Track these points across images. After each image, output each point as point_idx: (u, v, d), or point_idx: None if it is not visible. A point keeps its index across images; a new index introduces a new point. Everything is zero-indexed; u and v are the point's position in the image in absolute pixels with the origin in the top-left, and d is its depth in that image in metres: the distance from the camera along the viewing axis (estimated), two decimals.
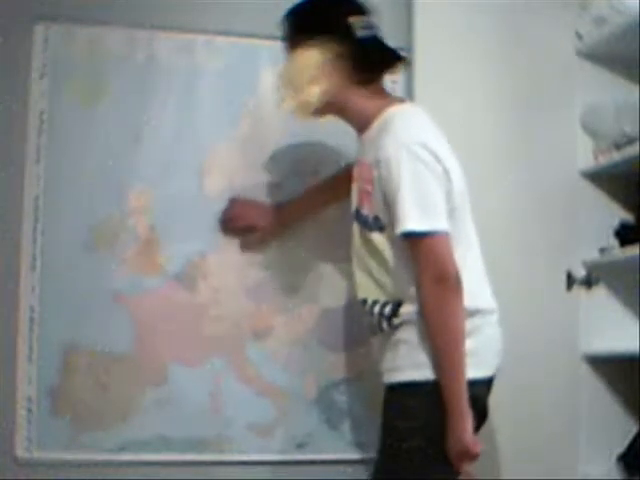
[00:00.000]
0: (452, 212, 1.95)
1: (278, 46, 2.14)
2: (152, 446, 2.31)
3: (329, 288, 2.45)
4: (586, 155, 2.58)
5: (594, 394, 2.51)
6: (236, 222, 2.40)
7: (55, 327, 2.30)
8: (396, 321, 1.98)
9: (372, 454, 2.09)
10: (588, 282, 2.55)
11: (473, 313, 1.93)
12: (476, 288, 1.97)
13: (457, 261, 1.90)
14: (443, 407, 1.87)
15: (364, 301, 2.06)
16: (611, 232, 2.55)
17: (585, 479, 2.43)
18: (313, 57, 2.04)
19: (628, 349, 2.36)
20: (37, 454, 2.26)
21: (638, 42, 2.42)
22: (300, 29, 2.09)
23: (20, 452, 2.26)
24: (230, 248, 2.41)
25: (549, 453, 2.42)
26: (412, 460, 1.90)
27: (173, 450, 2.32)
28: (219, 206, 2.40)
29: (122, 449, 2.30)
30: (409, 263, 1.94)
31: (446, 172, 1.95)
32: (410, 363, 1.95)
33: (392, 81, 2.33)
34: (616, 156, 2.47)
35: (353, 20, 2.05)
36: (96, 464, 2.28)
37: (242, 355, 2.39)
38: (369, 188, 2.00)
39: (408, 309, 1.96)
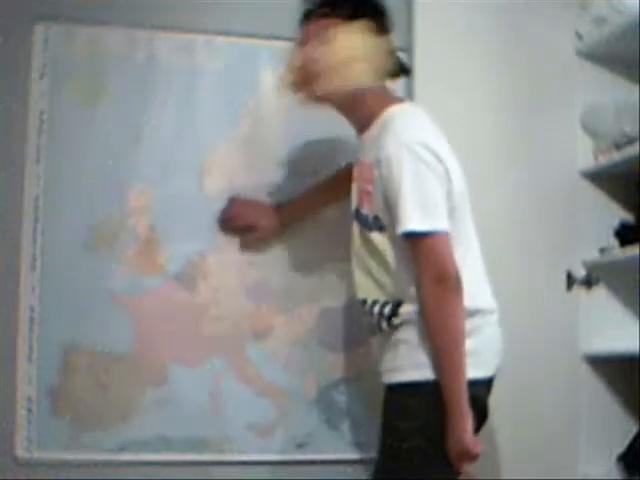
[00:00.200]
0: (452, 212, 1.95)
1: (278, 46, 2.14)
2: (152, 446, 2.31)
3: (329, 288, 2.45)
4: (586, 155, 2.59)
5: (594, 394, 2.51)
6: (235, 221, 2.39)
7: (55, 327, 2.29)
8: (396, 321, 1.98)
9: (372, 454, 2.09)
10: (588, 282, 2.55)
11: (473, 313, 1.93)
12: (476, 288, 1.97)
13: (457, 261, 1.90)
14: (443, 407, 1.87)
15: (364, 301, 2.06)
16: (611, 232, 2.56)
17: (585, 479, 2.44)
18: (359, 39, 2.00)
19: (628, 349, 2.36)
20: (37, 454, 2.26)
21: (638, 42, 2.42)
22: (344, 10, 2.03)
23: (20, 452, 2.26)
24: (230, 248, 2.41)
25: (549, 453, 2.42)
26: (412, 460, 1.90)
27: (173, 450, 2.32)
28: (219, 206, 2.39)
29: (122, 449, 2.30)
30: (409, 263, 1.94)
31: (447, 172, 1.95)
32: (410, 363, 1.95)
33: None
34: (616, 156, 2.47)
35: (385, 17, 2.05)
36: (96, 464, 2.28)
37: (242, 355, 2.39)
38: (369, 188, 2.00)
39: (408, 309, 1.96)
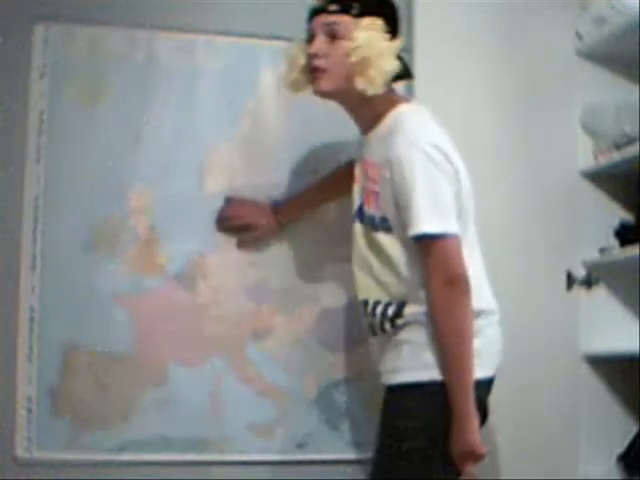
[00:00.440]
0: (460, 213, 1.95)
1: (278, 46, 2.14)
2: (152, 446, 2.31)
3: (329, 288, 2.45)
4: (586, 155, 2.59)
5: (594, 394, 2.51)
6: (233, 221, 2.39)
7: (55, 327, 2.29)
8: (400, 322, 1.97)
9: (371, 454, 2.09)
10: (588, 282, 2.55)
11: (476, 314, 1.93)
12: (478, 289, 1.96)
13: None
14: (446, 408, 1.86)
15: (365, 302, 2.05)
16: (611, 232, 2.56)
17: (585, 479, 2.44)
18: (382, 36, 1.98)
19: (628, 349, 2.36)
20: (37, 454, 2.26)
21: (638, 42, 2.42)
22: (354, 7, 1.99)
23: (20, 452, 2.26)
24: (230, 248, 2.41)
25: (549, 453, 2.42)
26: (413, 460, 1.90)
27: (173, 450, 2.32)
28: (219, 206, 2.40)
29: (122, 449, 2.30)
30: (416, 264, 1.93)
31: (456, 172, 1.95)
32: (414, 364, 1.94)
33: None
34: (616, 156, 2.48)
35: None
36: (96, 464, 2.28)
37: (242, 355, 2.39)
38: (376, 188, 1.99)
39: (413, 310, 1.95)
